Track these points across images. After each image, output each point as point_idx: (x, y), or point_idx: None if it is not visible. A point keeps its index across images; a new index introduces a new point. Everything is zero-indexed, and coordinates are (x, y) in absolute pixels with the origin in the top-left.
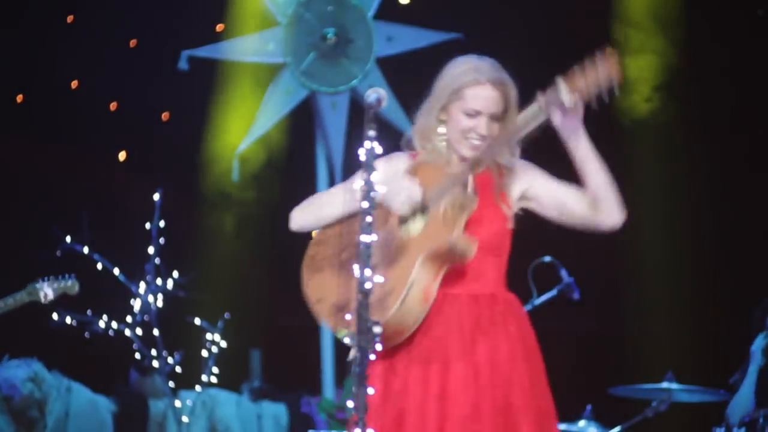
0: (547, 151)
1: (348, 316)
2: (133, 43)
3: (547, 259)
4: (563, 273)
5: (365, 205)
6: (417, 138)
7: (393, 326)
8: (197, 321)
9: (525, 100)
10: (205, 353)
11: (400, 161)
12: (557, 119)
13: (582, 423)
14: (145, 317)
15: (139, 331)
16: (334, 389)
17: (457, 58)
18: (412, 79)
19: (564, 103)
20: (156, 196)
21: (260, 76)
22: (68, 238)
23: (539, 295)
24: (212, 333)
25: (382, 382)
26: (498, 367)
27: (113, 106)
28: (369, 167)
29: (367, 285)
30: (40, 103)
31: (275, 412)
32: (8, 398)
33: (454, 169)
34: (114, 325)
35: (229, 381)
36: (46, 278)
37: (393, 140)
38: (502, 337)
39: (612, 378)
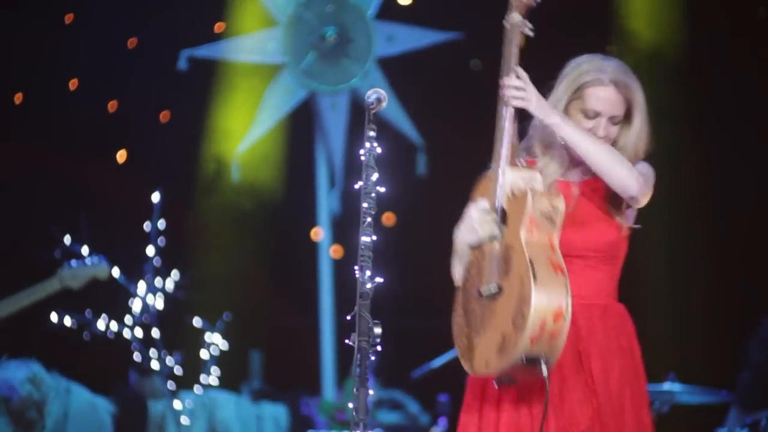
0: None
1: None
2: (132, 43)
3: None
4: None
5: (365, 205)
6: (538, 146)
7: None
8: (197, 322)
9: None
10: (204, 354)
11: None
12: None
13: None
14: (145, 318)
15: (138, 332)
16: (334, 390)
17: (580, 56)
18: (412, 79)
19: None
20: (155, 197)
21: (260, 76)
22: (67, 239)
23: None
24: (212, 334)
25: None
26: (610, 386)
27: (112, 106)
28: (369, 167)
29: (368, 285)
30: (39, 103)
31: (275, 413)
32: (7, 399)
33: (567, 176)
34: (113, 325)
35: (229, 382)
36: (71, 263)
37: (393, 140)
38: (615, 353)
39: None
